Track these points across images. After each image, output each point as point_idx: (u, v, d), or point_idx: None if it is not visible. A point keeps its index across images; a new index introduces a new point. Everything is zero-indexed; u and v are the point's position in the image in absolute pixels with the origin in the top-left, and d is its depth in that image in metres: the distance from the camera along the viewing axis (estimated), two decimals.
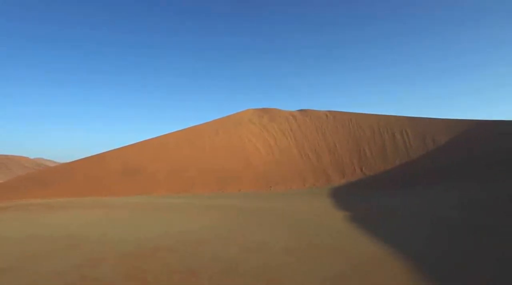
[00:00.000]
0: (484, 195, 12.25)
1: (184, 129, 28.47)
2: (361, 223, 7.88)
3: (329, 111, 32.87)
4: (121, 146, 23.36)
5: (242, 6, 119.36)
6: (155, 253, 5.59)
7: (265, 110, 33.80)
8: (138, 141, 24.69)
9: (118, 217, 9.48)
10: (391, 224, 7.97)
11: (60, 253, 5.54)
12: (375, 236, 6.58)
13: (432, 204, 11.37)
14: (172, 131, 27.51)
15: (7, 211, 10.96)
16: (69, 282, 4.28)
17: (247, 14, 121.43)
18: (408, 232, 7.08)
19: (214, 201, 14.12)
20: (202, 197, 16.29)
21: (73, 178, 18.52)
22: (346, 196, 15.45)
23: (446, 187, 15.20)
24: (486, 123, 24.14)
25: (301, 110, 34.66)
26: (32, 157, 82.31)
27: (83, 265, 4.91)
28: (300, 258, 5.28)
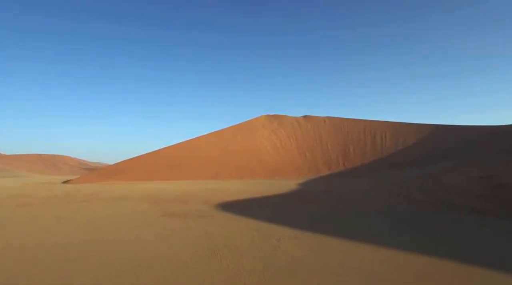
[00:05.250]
0: (418, 175, 19.04)
1: (210, 133, 36.57)
2: (301, 185, 15.32)
3: (328, 117, 39.87)
4: (166, 146, 31.84)
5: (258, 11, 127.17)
6: (215, 190, 13.38)
7: (275, 116, 41.35)
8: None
9: (180, 186, 17.47)
10: (324, 186, 15.29)
11: (172, 191, 13.45)
12: (301, 187, 14.03)
13: (377, 182, 18.36)
14: (202, 134, 35.73)
15: (115, 184, 19.33)
16: (191, 191, 12.16)
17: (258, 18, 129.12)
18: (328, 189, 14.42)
19: (233, 181, 21.88)
20: (225, 181, 24.13)
21: (138, 168, 26.99)
22: (321, 180, 22.64)
23: (396, 173, 22.01)
24: (445, 127, 30.20)
25: (305, 116, 41.86)
26: (72, 156, 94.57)
27: (185, 193, 12.78)
28: (267, 188, 12.87)
